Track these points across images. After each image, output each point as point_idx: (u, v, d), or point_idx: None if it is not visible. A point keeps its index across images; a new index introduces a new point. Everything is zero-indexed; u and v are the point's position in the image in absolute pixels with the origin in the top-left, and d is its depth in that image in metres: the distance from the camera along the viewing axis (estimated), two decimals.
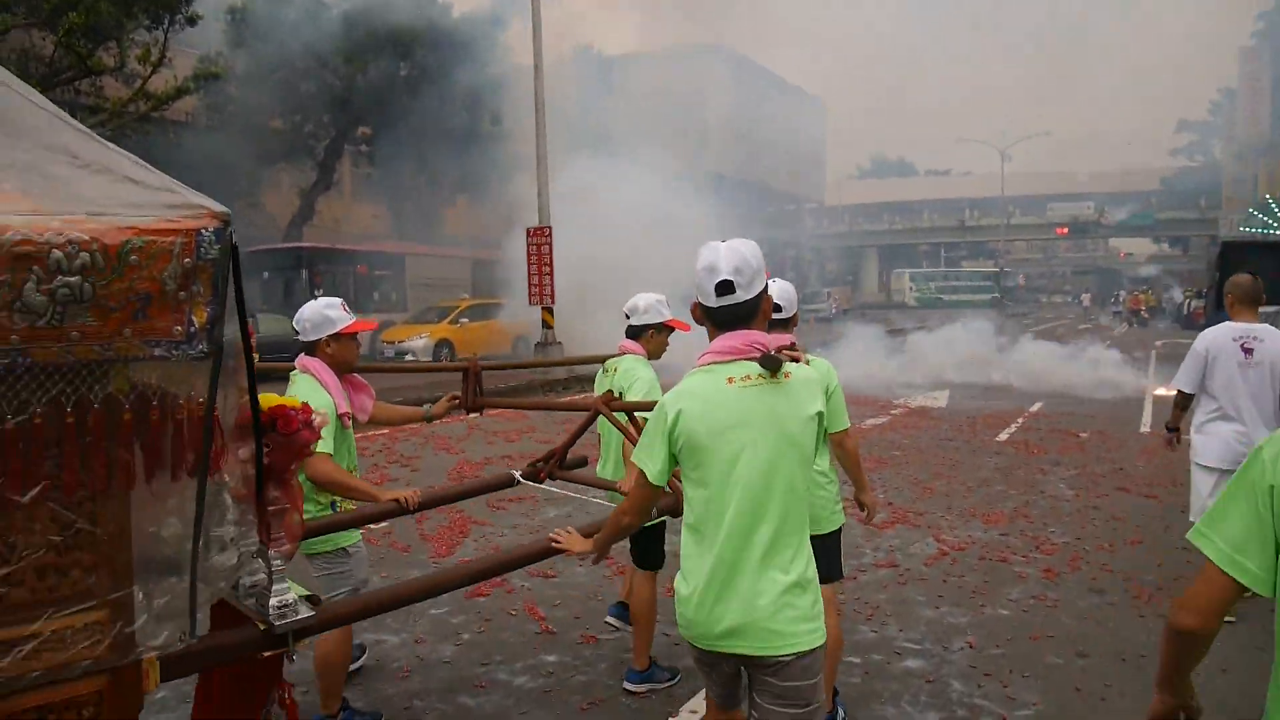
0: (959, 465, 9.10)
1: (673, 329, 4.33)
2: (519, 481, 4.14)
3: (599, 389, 4.35)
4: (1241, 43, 52.85)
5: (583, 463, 4.47)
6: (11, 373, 1.64)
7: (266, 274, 22.84)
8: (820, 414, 2.40)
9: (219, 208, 1.83)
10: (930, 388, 15.89)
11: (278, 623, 2.36)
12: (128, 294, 1.71)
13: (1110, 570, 5.76)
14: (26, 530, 1.75)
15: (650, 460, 2.39)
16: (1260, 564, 1.60)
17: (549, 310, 15.15)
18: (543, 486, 4.26)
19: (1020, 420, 12.28)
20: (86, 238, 1.65)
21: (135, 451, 1.84)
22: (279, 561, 2.40)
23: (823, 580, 2.61)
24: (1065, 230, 64.14)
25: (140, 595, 1.92)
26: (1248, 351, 4.90)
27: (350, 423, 3.69)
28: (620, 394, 4.03)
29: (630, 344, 4.29)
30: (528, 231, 15.05)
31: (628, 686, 4.11)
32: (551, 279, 14.77)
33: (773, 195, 57.72)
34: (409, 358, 21.31)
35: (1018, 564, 5.89)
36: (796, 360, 2.45)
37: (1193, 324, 32.91)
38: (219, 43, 24.24)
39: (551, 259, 14.75)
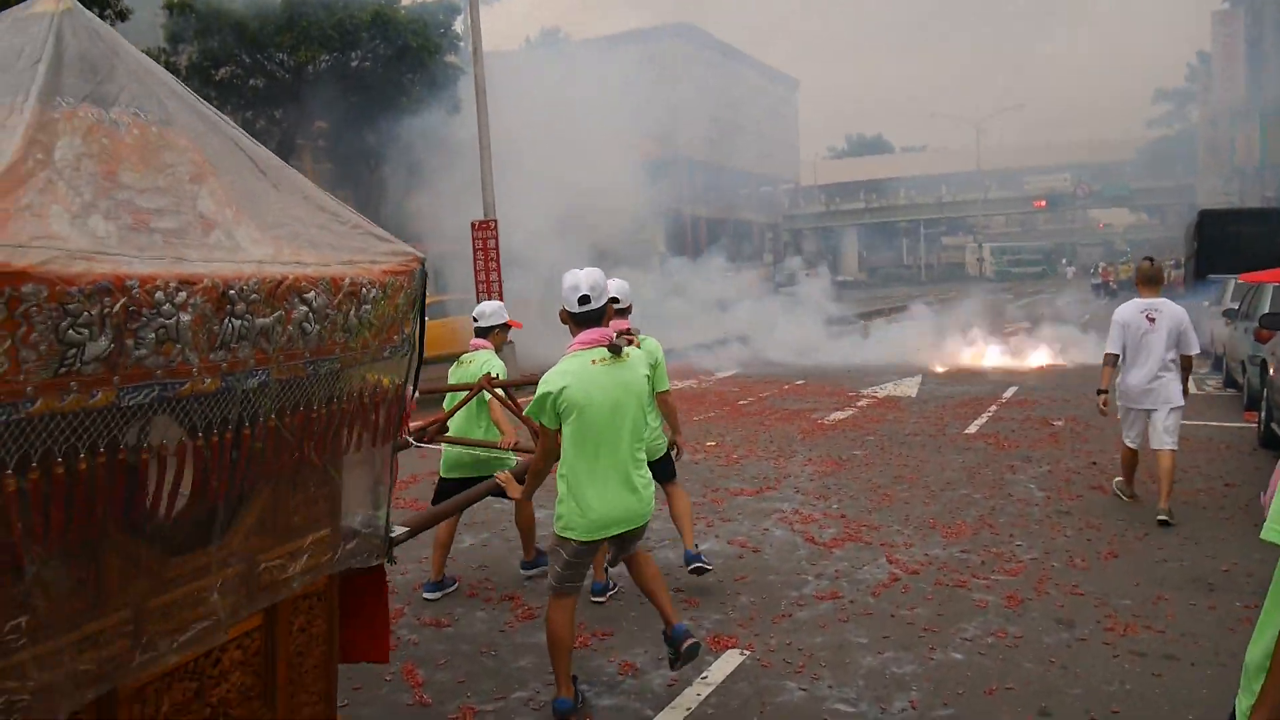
0: (923, 466, 8.42)
1: (510, 326, 5.71)
2: (410, 443, 4.79)
3: (452, 378, 5.48)
4: (1214, 6, 52.23)
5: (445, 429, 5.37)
6: (334, 374, 2.36)
7: None
8: (647, 375, 3.95)
9: (420, 252, 2.73)
10: (901, 375, 15.24)
11: (392, 535, 3.07)
12: (382, 316, 2.50)
13: (1081, 593, 5.09)
14: (311, 476, 2.53)
15: (546, 418, 3.61)
16: None
17: None
18: (429, 446, 4.94)
19: (993, 409, 11.62)
20: (373, 279, 2.44)
21: (370, 422, 2.61)
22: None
23: (669, 480, 5.26)
24: (1043, 203, 63.57)
25: (349, 524, 2.77)
26: (1151, 320, 6.49)
27: None
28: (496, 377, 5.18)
29: (480, 341, 5.51)
30: (473, 225, 14.24)
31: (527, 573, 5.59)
32: (499, 275, 13.98)
33: (747, 177, 56.85)
34: None
35: (977, 589, 5.20)
36: (632, 343, 3.87)
37: (1173, 293, 32.42)
38: (158, 38, 23.29)
39: (498, 253, 13.97)
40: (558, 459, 3.75)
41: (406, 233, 29.01)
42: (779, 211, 63.95)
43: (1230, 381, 12.51)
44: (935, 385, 14.14)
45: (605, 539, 3.72)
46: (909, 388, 13.94)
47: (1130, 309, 6.61)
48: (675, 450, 5.25)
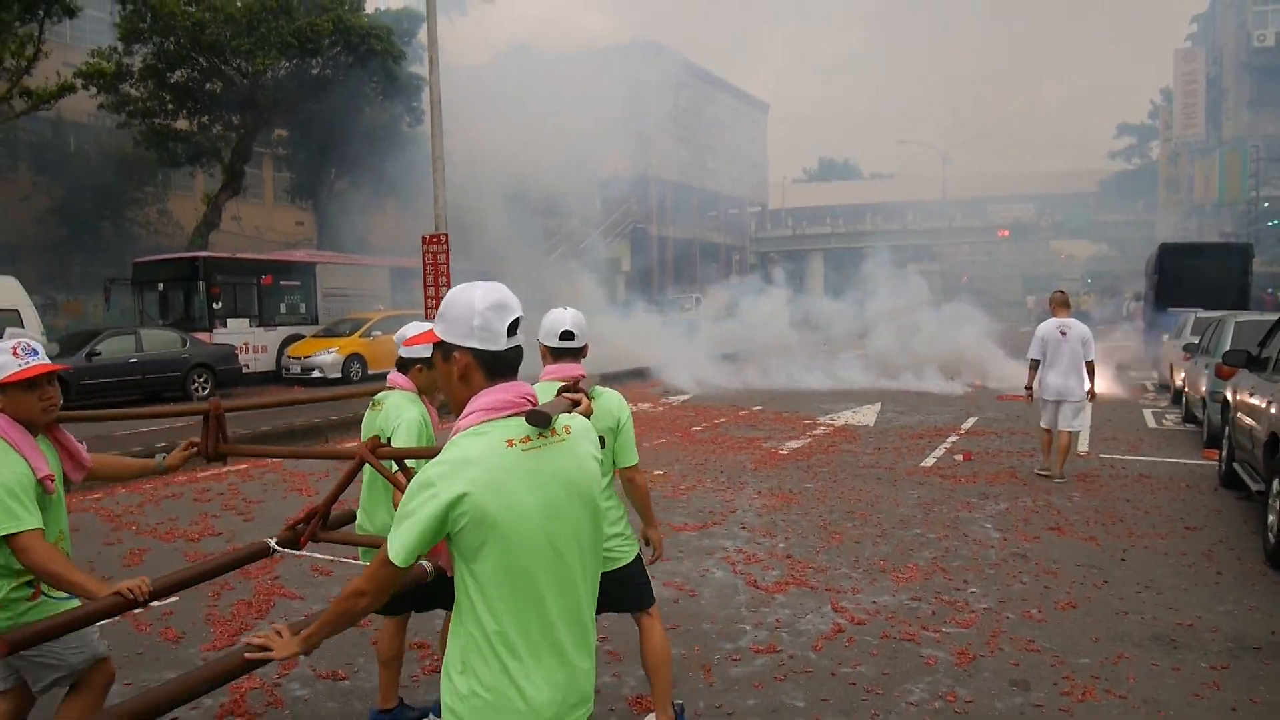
0: (877, 501, 8.07)
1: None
2: (275, 551, 3.25)
3: (366, 428, 3.71)
4: (1177, 44, 53.19)
5: (351, 518, 3.76)
6: None
7: (161, 286, 21.13)
8: (596, 457, 2.18)
9: None
10: (859, 402, 14.95)
11: None
12: None
13: (1037, 649, 4.73)
14: None
15: (405, 536, 1.89)
16: None
17: None
18: (305, 554, 3.41)
19: (951, 440, 11.33)
20: None
21: None
22: None
23: (639, 609, 3.61)
24: (1007, 232, 64.11)
25: None
26: (1063, 334, 8.69)
27: (55, 487, 3.02)
28: (388, 437, 3.50)
29: (399, 378, 3.75)
30: (423, 239, 13.77)
31: None
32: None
33: (716, 198, 56.80)
34: (316, 373, 19.99)
35: (927, 644, 4.82)
36: (576, 401, 2.34)
37: (1132, 325, 32.51)
38: (112, 37, 22.65)
39: (448, 269, 13.51)
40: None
41: (371, 244, 28.59)
42: (746, 234, 63.95)
43: (1190, 417, 12.34)
44: (894, 414, 13.84)
45: None
46: (867, 416, 13.63)
47: (1048, 325, 8.83)
48: (653, 550, 3.75)
